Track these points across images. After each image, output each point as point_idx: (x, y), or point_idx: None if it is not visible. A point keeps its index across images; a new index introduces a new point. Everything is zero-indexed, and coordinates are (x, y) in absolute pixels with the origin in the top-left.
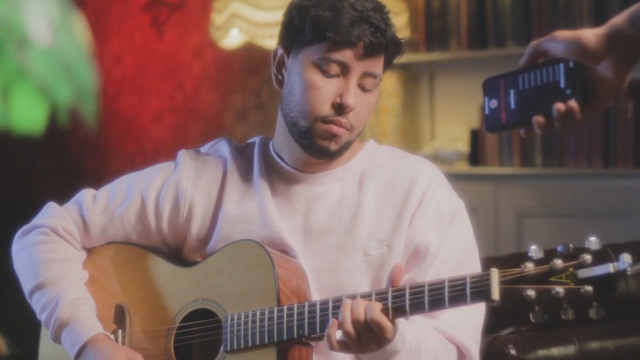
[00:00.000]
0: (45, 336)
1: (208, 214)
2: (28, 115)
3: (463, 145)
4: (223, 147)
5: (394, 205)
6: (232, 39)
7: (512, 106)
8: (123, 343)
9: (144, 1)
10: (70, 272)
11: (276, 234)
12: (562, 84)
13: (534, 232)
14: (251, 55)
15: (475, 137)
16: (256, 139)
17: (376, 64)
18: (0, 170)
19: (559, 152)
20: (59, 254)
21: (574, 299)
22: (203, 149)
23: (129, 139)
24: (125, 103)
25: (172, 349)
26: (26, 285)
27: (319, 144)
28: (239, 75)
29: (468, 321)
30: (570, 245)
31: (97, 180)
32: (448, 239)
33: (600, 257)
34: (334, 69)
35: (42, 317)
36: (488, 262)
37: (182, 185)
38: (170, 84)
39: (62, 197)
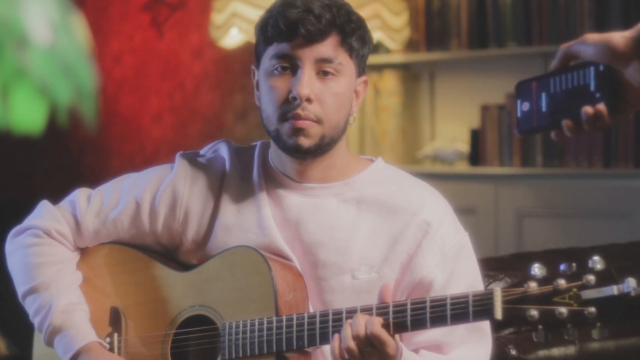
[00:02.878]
0: (39, 337)
1: (205, 220)
2: (28, 115)
3: (463, 145)
4: (222, 150)
5: (390, 234)
6: (232, 39)
7: (544, 109)
8: (119, 347)
9: (144, 1)
10: (64, 275)
11: (274, 244)
12: (591, 87)
13: (534, 232)
14: (251, 55)
15: (476, 137)
16: (257, 143)
17: (326, 49)
18: (0, 170)
19: (559, 152)
20: (52, 256)
21: (577, 319)
22: (202, 151)
23: (129, 138)
24: (125, 103)
25: (169, 355)
26: (19, 288)
27: (289, 143)
28: (238, 75)
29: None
30: (574, 264)
31: (97, 180)
32: (455, 275)
33: (604, 278)
34: (283, 65)
35: (35, 320)
36: (488, 263)
37: (179, 189)
38: (170, 84)
39: (62, 197)
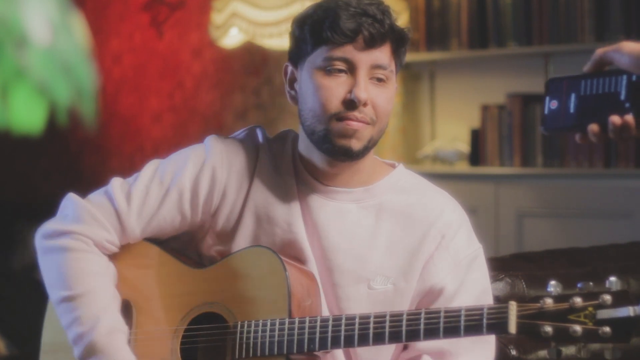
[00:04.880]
0: (49, 325)
1: (237, 205)
2: (27, 115)
3: (463, 145)
4: (257, 134)
5: (408, 245)
6: (231, 39)
7: (571, 110)
8: (129, 340)
9: (144, 0)
10: (107, 289)
11: (299, 243)
12: (622, 97)
13: (534, 232)
14: (251, 54)
15: (476, 137)
16: (288, 134)
17: (382, 55)
18: (0, 170)
19: (559, 152)
20: (98, 266)
21: (591, 338)
22: (235, 134)
23: (129, 138)
24: (124, 103)
25: (179, 350)
26: (56, 291)
27: (340, 144)
28: (238, 74)
29: None
30: (591, 283)
31: (97, 180)
32: (465, 285)
33: (620, 299)
34: (339, 67)
35: (70, 331)
36: (488, 263)
37: (217, 172)
38: (169, 84)
39: (61, 197)
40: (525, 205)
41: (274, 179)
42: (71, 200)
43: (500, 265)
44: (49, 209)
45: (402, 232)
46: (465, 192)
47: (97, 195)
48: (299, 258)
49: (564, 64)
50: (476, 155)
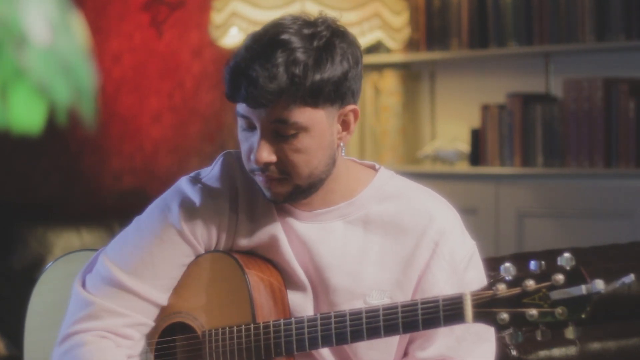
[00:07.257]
0: (30, 324)
1: (229, 243)
2: (27, 115)
3: (464, 145)
4: (232, 163)
5: (401, 256)
6: (231, 38)
7: None
8: None
9: (143, 0)
10: None
11: (291, 269)
12: None
13: (535, 232)
14: None
15: (476, 137)
16: None
17: (280, 111)
18: (0, 170)
19: (560, 152)
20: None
21: (548, 320)
22: (209, 168)
23: (128, 138)
24: (124, 102)
25: None
26: None
27: (265, 195)
28: None
29: None
30: (542, 262)
31: (97, 180)
32: (462, 286)
33: (573, 277)
34: (244, 122)
35: None
36: (489, 263)
37: (209, 215)
38: (169, 84)
39: (61, 197)
40: (526, 205)
41: (255, 209)
42: (77, 297)
43: (500, 266)
44: (49, 209)
45: (393, 242)
46: (465, 192)
47: (97, 283)
48: (295, 283)
49: (564, 63)
50: (476, 155)
